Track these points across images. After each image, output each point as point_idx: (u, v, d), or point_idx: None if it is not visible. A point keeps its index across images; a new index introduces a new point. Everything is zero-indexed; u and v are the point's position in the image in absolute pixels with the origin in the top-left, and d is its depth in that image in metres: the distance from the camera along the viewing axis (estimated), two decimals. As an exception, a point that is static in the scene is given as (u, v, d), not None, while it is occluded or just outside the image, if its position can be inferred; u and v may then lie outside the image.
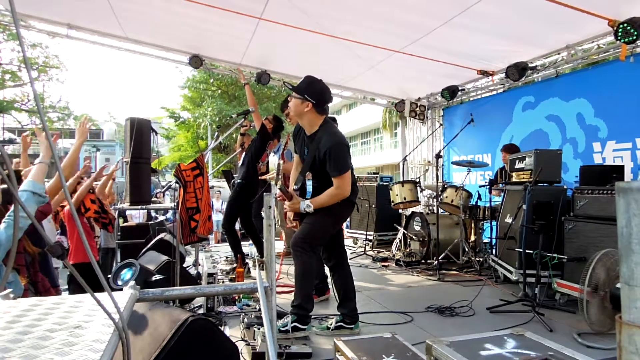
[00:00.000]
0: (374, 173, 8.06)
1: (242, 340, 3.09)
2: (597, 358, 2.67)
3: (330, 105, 3.44)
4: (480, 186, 6.15)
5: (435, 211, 6.10)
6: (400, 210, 7.20)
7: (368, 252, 6.93)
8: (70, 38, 6.83)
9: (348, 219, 7.83)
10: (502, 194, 5.37)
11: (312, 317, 3.37)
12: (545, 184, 4.46)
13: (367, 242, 7.25)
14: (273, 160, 5.88)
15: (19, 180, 3.43)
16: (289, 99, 3.47)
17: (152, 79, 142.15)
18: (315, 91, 3.21)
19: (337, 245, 3.47)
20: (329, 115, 3.51)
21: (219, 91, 23.92)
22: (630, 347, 0.74)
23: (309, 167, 3.29)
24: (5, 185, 2.43)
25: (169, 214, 9.00)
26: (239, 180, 5.32)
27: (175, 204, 4.14)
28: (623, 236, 0.79)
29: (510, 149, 5.80)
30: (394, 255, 6.49)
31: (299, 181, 3.33)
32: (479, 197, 6.01)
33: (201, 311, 3.77)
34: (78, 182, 4.57)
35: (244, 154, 5.51)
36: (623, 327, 0.79)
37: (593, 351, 2.93)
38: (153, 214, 9.17)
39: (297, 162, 3.52)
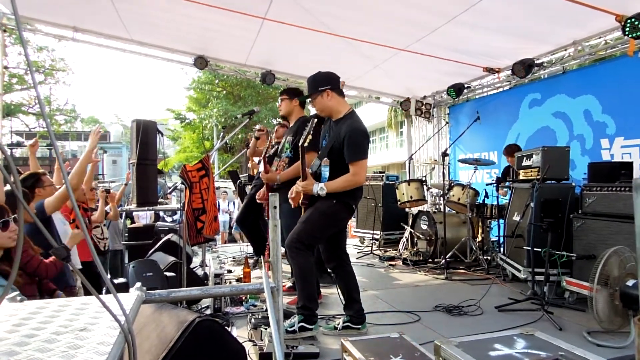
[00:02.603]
0: (380, 172, 8.03)
1: (250, 340, 3.08)
2: (608, 357, 2.64)
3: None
4: (487, 184, 6.12)
5: (442, 210, 6.07)
6: (406, 209, 7.17)
7: (375, 252, 6.91)
8: (76, 41, 6.87)
9: (354, 219, 7.87)
10: (509, 192, 5.33)
11: (319, 317, 3.36)
12: (553, 182, 4.42)
13: (373, 241, 7.23)
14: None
15: (38, 182, 3.47)
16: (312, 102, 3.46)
17: (158, 80, 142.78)
18: (323, 79, 3.26)
19: (337, 247, 3.41)
20: None
21: (224, 92, 24.02)
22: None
23: (326, 153, 3.25)
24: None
25: (177, 216, 9.06)
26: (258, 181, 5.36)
27: (181, 205, 4.15)
28: None
29: (511, 148, 5.75)
30: (400, 255, 6.47)
31: (316, 165, 3.29)
32: (486, 195, 5.98)
33: (208, 312, 3.77)
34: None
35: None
36: None
37: (603, 350, 2.90)
38: (161, 214, 9.23)
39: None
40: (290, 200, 3.35)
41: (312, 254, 3.25)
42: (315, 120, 3.31)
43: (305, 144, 3.12)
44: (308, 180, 3.16)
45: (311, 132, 3.16)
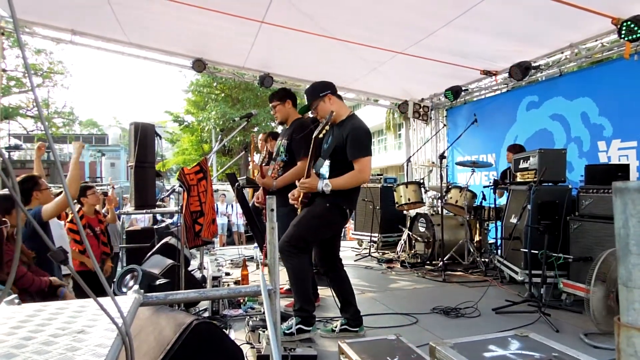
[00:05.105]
0: (378, 174, 8.05)
1: (247, 343, 3.09)
2: (604, 358, 2.66)
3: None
4: (484, 186, 6.13)
5: (440, 212, 6.09)
6: (404, 212, 7.17)
7: (373, 254, 6.91)
8: (74, 44, 6.87)
9: (352, 222, 7.88)
10: (507, 194, 5.34)
11: (317, 319, 3.36)
12: (550, 184, 4.43)
13: (371, 243, 7.24)
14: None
15: (36, 184, 3.46)
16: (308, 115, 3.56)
17: (156, 83, 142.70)
18: (322, 86, 3.34)
19: (330, 252, 3.43)
20: None
21: (223, 95, 24.03)
22: (629, 350, 0.73)
23: (329, 154, 3.27)
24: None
25: (175, 218, 9.05)
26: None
27: (179, 207, 4.16)
28: (620, 237, 0.78)
29: (515, 148, 5.78)
30: (398, 257, 6.48)
31: (319, 165, 3.30)
32: (484, 198, 5.99)
33: (206, 314, 3.78)
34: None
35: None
36: (621, 329, 0.78)
37: (600, 351, 2.91)
38: (159, 217, 9.21)
39: None
40: (291, 201, 3.36)
41: (306, 256, 3.26)
42: (333, 113, 3.24)
43: (320, 135, 3.11)
44: (312, 177, 3.15)
45: (326, 127, 3.13)
